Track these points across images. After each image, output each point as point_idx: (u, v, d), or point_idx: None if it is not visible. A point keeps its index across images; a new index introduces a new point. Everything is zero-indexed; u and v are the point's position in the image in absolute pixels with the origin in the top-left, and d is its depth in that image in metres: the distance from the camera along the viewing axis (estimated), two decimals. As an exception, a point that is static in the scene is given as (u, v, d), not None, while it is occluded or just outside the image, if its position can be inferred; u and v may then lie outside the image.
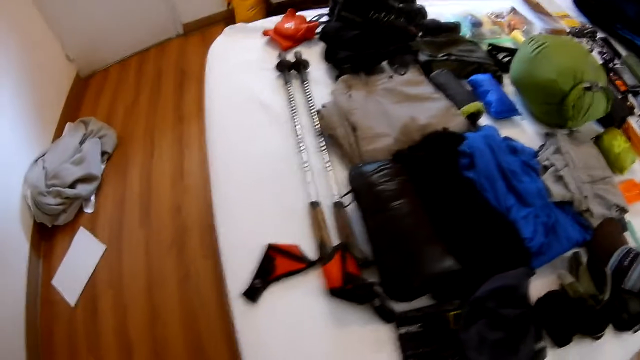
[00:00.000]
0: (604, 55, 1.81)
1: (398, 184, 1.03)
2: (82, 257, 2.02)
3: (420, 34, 1.60)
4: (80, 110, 2.52)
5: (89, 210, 2.18)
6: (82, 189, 2.16)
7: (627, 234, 1.21)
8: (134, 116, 2.54)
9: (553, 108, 1.35)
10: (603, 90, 1.34)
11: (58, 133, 2.36)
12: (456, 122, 1.30)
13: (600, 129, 1.48)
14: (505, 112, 1.41)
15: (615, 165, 1.39)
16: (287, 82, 1.45)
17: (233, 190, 1.19)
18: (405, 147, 1.18)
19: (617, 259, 1.08)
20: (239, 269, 0.98)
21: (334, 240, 1.03)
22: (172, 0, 2.73)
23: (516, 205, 1.06)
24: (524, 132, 1.43)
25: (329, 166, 1.23)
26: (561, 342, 0.98)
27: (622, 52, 1.85)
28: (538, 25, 1.79)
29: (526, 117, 1.47)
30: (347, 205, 1.09)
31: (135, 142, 2.42)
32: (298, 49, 1.59)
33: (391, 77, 1.45)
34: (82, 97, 2.58)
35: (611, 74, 1.72)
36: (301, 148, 1.26)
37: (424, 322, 0.92)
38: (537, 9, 1.87)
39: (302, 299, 0.96)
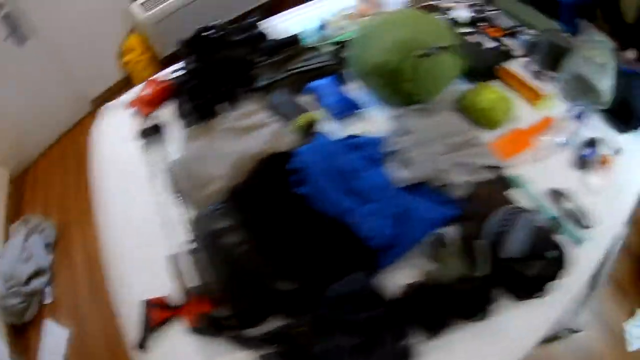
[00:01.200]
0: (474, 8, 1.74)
1: (230, 220, 1.02)
2: (52, 346, 2.10)
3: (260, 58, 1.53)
4: (21, 209, 2.54)
5: (47, 300, 2.24)
6: (36, 283, 2.22)
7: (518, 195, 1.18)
8: (67, 203, 2.58)
9: (395, 88, 1.25)
10: (446, 50, 1.26)
11: (5, 237, 2.36)
12: (287, 140, 1.24)
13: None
14: (346, 111, 1.33)
15: (483, 122, 1.32)
16: (150, 146, 1.42)
17: (124, 253, 1.21)
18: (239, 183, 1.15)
19: (495, 225, 1.03)
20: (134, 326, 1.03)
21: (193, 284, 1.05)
22: (74, 82, 2.71)
23: (358, 205, 1.01)
24: (375, 122, 1.37)
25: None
26: (434, 332, 0.94)
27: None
28: (396, 2, 1.72)
29: (379, 105, 1.41)
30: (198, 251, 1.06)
31: (73, 227, 2.47)
32: (158, 112, 1.54)
33: (229, 114, 1.39)
34: (20, 197, 2.61)
35: (481, 25, 1.67)
36: (165, 206, 1.23)
37: (277, 343, 0.91)
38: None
39: (182, 340, 1.01)
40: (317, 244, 0.96)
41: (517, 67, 1.54)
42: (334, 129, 1.33)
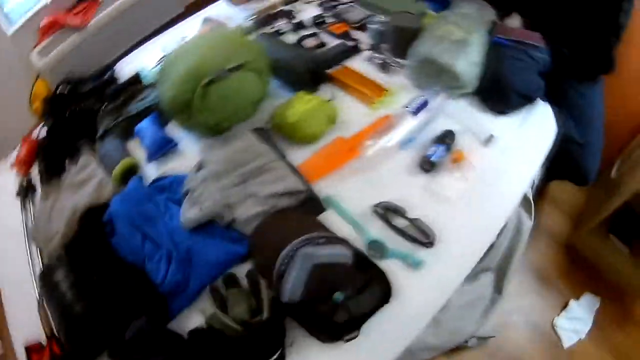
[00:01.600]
0: (326, 5, 1.55)
1: (63, 273, 0.94)
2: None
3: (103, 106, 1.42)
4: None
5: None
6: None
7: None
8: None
9: (193, 121, 1.11)
10: (240, 69, 1.08)
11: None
12: (107, 191, 1.12)
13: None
14: (159, 151, 1.19)
15: (298, 137, 1.10)
16: (25, 206, 1.36)
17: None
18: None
19: (278, 263, 0.82)
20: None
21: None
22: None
23: (153, 252, 0.93)
24: (190, 157, 1.19)
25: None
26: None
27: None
28: (239, 20, 1.56)
29: (192, 139, 1.23)
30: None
31: None
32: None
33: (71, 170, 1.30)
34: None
35: (327, 23, 1.46)
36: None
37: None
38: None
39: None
40: (120, 292, 0.88)
41: (360, 62, 1.31)
42: (151, 171, 1.19)
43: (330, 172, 1.04)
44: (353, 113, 1.15)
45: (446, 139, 1.05)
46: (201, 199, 0.97)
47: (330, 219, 0.96)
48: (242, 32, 1.19)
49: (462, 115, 1.12)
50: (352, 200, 0.98)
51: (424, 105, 1.07)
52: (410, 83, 1.20)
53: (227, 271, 0.88)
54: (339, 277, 0.79)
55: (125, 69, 1.53)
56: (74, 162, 1.28)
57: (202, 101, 1.05)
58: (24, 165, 1.48)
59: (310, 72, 1.16)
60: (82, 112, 1.43)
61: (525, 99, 1.16)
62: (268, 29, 1.45)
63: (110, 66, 1.53)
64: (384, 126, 1.07)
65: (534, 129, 1.14)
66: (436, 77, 1.15)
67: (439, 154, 1.02)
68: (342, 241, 0.84)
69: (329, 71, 1.23)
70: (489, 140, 1.08)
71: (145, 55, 1.54)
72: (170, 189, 1.06)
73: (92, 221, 1.05)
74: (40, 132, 1.51)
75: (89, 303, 0.86)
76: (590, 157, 1.32)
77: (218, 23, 1.50)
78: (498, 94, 1.15)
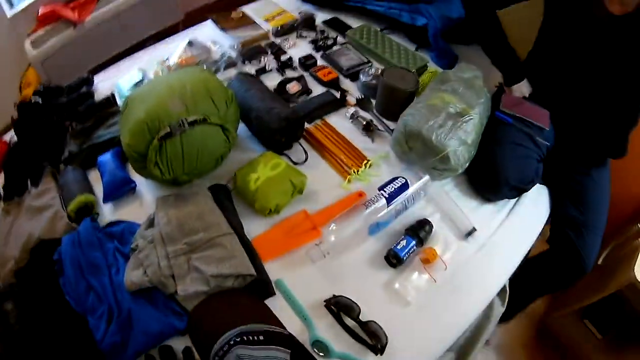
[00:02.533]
0: (319, 43, 1.38)
1: (14, 305, 0.86)
2: None
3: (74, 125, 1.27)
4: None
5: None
6: None
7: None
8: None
9: (147, 171, 0.96)
10: (204, 122, 0.93)
11: None
12: (62, 225, 0.99)
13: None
14: (116, 192, 1.04)
15: (256, 206, 0.95)
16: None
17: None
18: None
19: (213, 354, 0.72)
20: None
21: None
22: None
23: (96, 305, 0.83)
24: (146, 204, 1.05)
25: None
26: None
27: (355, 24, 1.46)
28: (224, 47, 1.40)
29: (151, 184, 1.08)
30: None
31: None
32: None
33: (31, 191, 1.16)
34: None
35: (314, 66, 1.29)
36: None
37: None
38: (237, 24, 1.48)
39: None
40: (62, 342, 0.80)
41: (343, 119, 1.16)
42: (107, 211, 1.05)
43: (287, 252, 0.91)
44: (324, 183, 1.01)
45: (420, 230, 0.91)
46: (146, 262, 0.85)
47: (279, 304, 0.84)
48: (212, 75, 1.02)
49: (444, 202, 0.97)
50: (304, 289, 0.86)
51: (401, 190, 0.92)
52: (394, 154, 1.04)
53: (165, 342, 0.79)
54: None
55: (103, 83, 1.38)
56: (35, 184, 1.15)
57: (157, 155, 0.92)
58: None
59: (283, 131, 1.00)
60: (50, 128, 1.27)
61: (518, 191, 1.01)
62: (251, 65, 1.28)
63: (89, 78, 1.37)
64: (353, 207, 0.92)
65: (523, 216, 1.02)
66: (423, 153, 1.00)
67: (408, 248, 0.88)
68: (283, 338, 0.74)
69: (307, 126, 1.07)
70: (469, 234, 0.93)
71: (124, 72, 1.39)
72: (122, 238, 0.94)
73: (43, 255, 0.94)
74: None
75: (33, 346, 0.79)
76: (590, 244, 1.15)
77: (202, 47, 1.34)
78: (489, 182, 1.01)
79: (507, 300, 1.11)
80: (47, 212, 1.04)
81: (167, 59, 1.32)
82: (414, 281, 0.87)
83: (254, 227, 0.94)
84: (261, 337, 0.70)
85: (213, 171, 1.03)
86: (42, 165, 1.19)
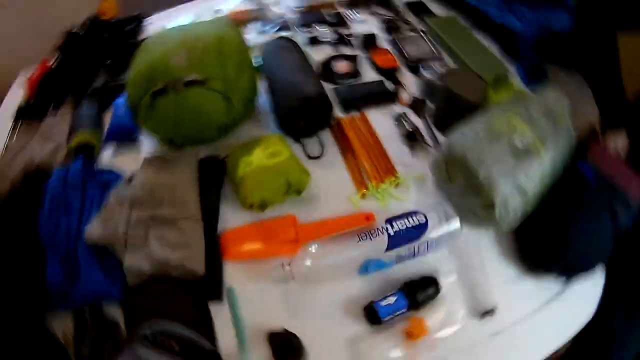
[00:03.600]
0: (392, 24, 1.11)
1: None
2: None
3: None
4: None
5: None
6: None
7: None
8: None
9: (140, 126, 0.83)
10: (204, 86, 0.74)
11: None
12: (60, 157, 0.91)
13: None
14: (118, 138, 0.91)
15: (239, 196, 0.76)
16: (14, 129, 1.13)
17: None
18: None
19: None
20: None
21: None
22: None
23: (58, 244, 0.73)
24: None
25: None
26: None
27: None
28: (286, 7, 1.18)
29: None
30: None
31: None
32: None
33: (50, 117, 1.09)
34: None
35: (372, 49, 1.04)
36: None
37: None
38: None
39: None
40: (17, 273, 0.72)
41: (385, 117, 0.90)
42: (107, 154, 0.92)
43: (253, 259, 0.72)
44: (333, 190, 0.79)
45: (420, 292, 0.67)
46: (108, 220, 0.73)
47: (223, 313, 0.66)
48: (237, 34, 0.82)
49: (470, 262, 0.70)
50: (255, 308, 0.67)
51: (414, 232, 0.66)
52: (431, 177, 0.78)
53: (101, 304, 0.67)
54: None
55: (153, 25, 1.24)
56: (54, 112, 1.06)
57: (148, 112, 0.76)
58: (30, 88, 1.28)
59: (301, 112, 0.77)
60: (86, 60, 1.18)
61: (571, 275, 0.71)
62: (304, 33, 1.05)
63: (139, 17, 1.27)
64: (346, 232, 0.67)
65: (564, 309, 0.73)
66: (463, 189, 0.74)
67: (394, 310, 0.64)
68: (202, 355, 0.59)
69: (340, 115, 0.84)
70: (486, 314, 0.66)
71: (177, 16, 1.24)
72: (107, 188, 0.82)
73: (36, 182, 0.86)
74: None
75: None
76: None
77: (260, 3, 1.13)
78: (541, 254, 0.70)
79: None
80: (53, 141, 0.96)
81: (220, 9, 1.14)
82: (385, 353, 0.63)
83: (233, 217, 0.76)
84: (176, 347, 0.57)
85: (218, 140, 0.85)
86: (67, 93, 1.10)
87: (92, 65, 1.15)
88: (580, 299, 0.75)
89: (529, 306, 0.72)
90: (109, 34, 1.23)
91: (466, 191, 0.73)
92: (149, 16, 1.24)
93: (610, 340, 0.80)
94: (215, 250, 0.71)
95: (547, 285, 0.75)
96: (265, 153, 0.76)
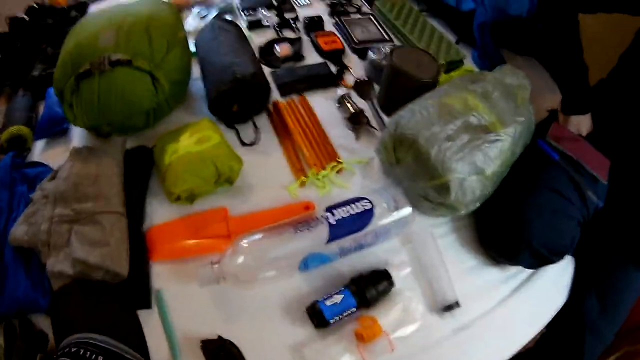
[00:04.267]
0: (338, 8, 1.02)
1: None
2: None
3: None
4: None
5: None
6: None
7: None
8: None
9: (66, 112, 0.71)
10: (130, 65, 0.65)
11: None
12: None
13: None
14: (48, 130, 0.80)
15: (165, 187, 0.65)
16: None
17: None
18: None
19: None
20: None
21: None
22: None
23: None
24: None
25: None
26: None
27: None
28: None
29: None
30: None
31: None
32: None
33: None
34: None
35: (316, 32, 0.94)
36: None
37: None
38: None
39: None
40: None
41: (327, 100, 0.80)
42: (39, 147, 0.81)
43: (182, 258, 0.61)
44: (269, 179, 0.67)
45: (370, 288, 0.57)
46: (32, 219, 0.63)
47: (154, 320, 0.56)
48: (170, 12, 0.71)
49: (425, 252, 0.60)
50: (187, 313, 0.57)
51: (358, 220, 0.56)
52: (379, 164, 0.68)
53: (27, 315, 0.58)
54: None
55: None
56: None
57: (73, 96, 0.67)
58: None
59: (234, 95, 0.67)
60: (27, 48, 1.06)
61: (540, 261, 0.61)
62: (247, 16, 0.94)
63: (85, 3, 1.16)
64: (281, 225, 0.56)
65: (534, 297, 0.66)
66: (414, 172, 0.65)
67: (342, 310, 0.54)
68: None
69: (279, 99, 0.73)
70: (448, 308, 0.56)
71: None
72: (34, 183, 0.72)
73: None
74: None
75: None
76: (595, 346, 0.74)
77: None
78: (504, 239, 0.64)
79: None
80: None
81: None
82: (334, 358, 0.52)
83: (161, 212, 0.65)
84: (100, 358, 0.48)
85: (147, 130, 0.73)
86: (4, 84, 0.99)
87: (31, 53, 1.03)
88: (549, 288, 0.68)
89: (494, 297, 0.64)
90: (53, 20, 1.11)
91: (417, 174, 0.64)
92: (97, 1, 1.11)
93: (583, 329, 0.72)
94: (140, 250, 0.61)
95: (512, 274, 0.66)
96: (192, 139, 0.65)
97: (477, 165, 0.62)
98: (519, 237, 0.62)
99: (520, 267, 0.67)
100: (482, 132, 0.64)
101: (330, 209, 0.58)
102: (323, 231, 0.56)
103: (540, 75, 0.94)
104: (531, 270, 0.68)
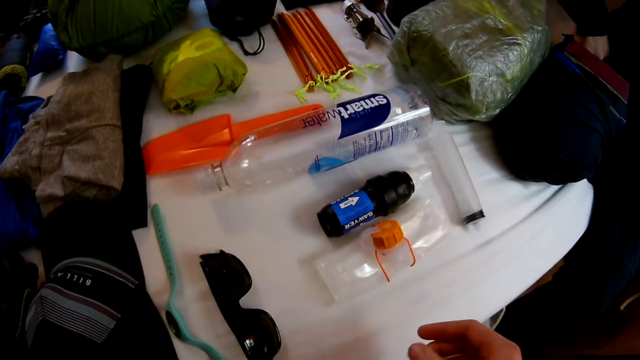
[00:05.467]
0: None
1: None
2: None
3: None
4: None
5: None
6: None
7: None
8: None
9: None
10: None
11: None
12: None
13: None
14: (43, 64, 0.71)
15: (164, 96, 0.56)
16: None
17: None
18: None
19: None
20: None
21: None
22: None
23: None
24: None
25: None
26: None
27: None
28: None
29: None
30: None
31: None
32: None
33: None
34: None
35: None
36: None
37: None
38: None
39: None
40: None
41: (334, 12, 0.71)
42: (32, 86, 0.72)
43: (181, 169, 0.53)
44: (275, 85, 0.59)
45: (389, 190, 0.49)
46: (23, 147, 0.56)
47: (149, 239, 0.49)
48: None
49: (446, 157, 0.52)
50: (186, 228, 0.49)
51: (374, 115, 0.47)
52: (392, 69, 0.59)
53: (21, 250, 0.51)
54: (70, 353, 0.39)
55: None
56: None
57: (68, 17, 0.59)
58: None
59: (239, 4, 0.57)
60: None
61: (566, 175, 0.55)
62: None
63: None
64: (290, 122, 0.48)
65: (560, 215, 0.58)
66: (430, 72, 0.58)
67: (358, 213, 0.46)
68: (121, 292, 0.44)
69: (284, 12, 0.64)
70: (471, 219, 0.48)
71: None
72: (27, 117, 0.63)
73: None
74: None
75: None
76: (618, 282, 0.68)
77: None
78: (530, 151, 0.56)
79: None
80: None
81: None
82: (351, 270, 0.44)
83: (159, 127, 0.57)
84: (88, 282, 0.43)
85: (145, 49, 0.65)
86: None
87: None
88: (570, 213, 0.61)
89: (518, 214, 0.57)
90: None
91: (433, 74, 0.56)
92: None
93: (606, 260, 0.64)
94: (137, 165, 0.54)
95: (534, 192, 0.58)
96: (193, 46, 0.56)
97: (497, 66, 0.55)
98: (543, 146, 0.54)
99: (541, 187, 0.59)
100: (499, 34, 0.55)
101: (342, 105, 0.49)
102: (335, 126, 0.47)
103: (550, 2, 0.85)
104: (553, 190, 0.60)
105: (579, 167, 0.56)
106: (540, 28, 0.60)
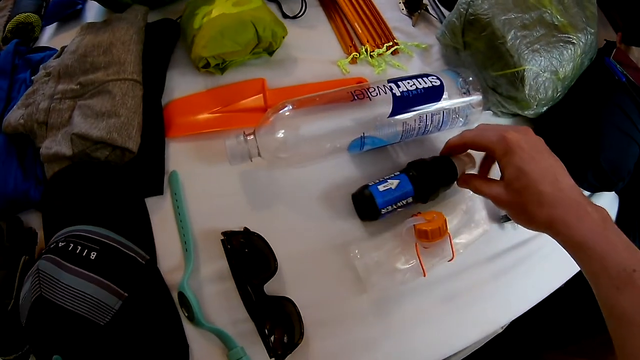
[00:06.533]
0: None
1: None
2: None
3: None
4: None
5: None
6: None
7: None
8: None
9: None
10: None
11: None
12: None
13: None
14: (59, 13, 0.61)
15: (193, 53, 0.48)
16: None
17: None
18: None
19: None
20: None
21: None
22: None
23: None
24: None
25: None
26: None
27: None
28: None
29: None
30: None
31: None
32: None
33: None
34: None
35: None
36: None
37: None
38: None
39: None
40: None
41: None
42: (45, 36, 0.62)
43: (206, 134, 0.46)
44: (315, 52, 0.52)
45: (431, 176, 0.40)
46: (30, 99, 0.47)
47: (163, 209, 0.42)
48: None
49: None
50: (206, 200, 0.43)
51: (428, 95, 0.40)
52: (440, 50, 0.52)
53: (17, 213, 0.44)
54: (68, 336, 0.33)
55: None
56: None
57: None
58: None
59: None
60: None
61: (602, 184, 0.53)
62: None
63: None
64: (335, 93, 0.40)
65: None
66: (484, 58, 0.51)
67: (397, 197, 0.39)
68: (130, 268, 0.37)
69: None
70: (507, 218, 0.41)
71: None
72: (38, 68, 0.54)
73: None
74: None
75: None
76: None
77: None
78: (573, 154, 0.49)
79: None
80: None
81: None
82: (387, 260, 0.38)
83: (184, 86, 0.50)
84: (93, 255, 0.36)
85: (172, 4, 0.57)
86: None
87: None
88: None
89: None
90: None
91: (487, 62, 0.49)
92: None
93: None
94: (156, 125, 0.46)
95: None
96: (230, 1, 0.48)
97: (552, 62, 0.50)
98: (586, 151, 0.49)
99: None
100: (555, 30, 0.50)
101: (393, 81, 0.42)
102: (386, 103, 0.40)
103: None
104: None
105: (616, 176, 0.52)
106: (592, 30, 0.55)
